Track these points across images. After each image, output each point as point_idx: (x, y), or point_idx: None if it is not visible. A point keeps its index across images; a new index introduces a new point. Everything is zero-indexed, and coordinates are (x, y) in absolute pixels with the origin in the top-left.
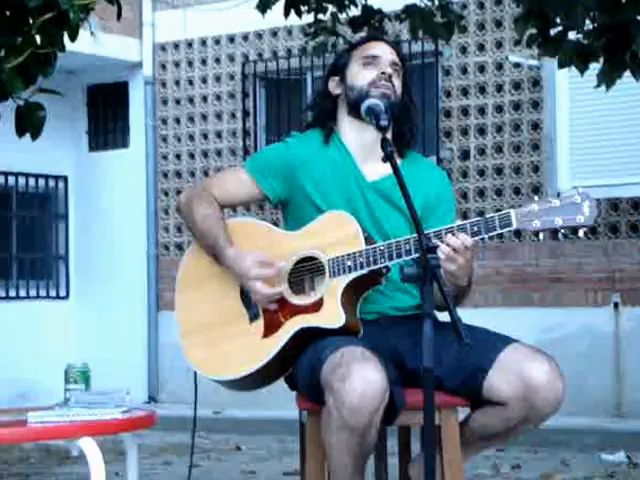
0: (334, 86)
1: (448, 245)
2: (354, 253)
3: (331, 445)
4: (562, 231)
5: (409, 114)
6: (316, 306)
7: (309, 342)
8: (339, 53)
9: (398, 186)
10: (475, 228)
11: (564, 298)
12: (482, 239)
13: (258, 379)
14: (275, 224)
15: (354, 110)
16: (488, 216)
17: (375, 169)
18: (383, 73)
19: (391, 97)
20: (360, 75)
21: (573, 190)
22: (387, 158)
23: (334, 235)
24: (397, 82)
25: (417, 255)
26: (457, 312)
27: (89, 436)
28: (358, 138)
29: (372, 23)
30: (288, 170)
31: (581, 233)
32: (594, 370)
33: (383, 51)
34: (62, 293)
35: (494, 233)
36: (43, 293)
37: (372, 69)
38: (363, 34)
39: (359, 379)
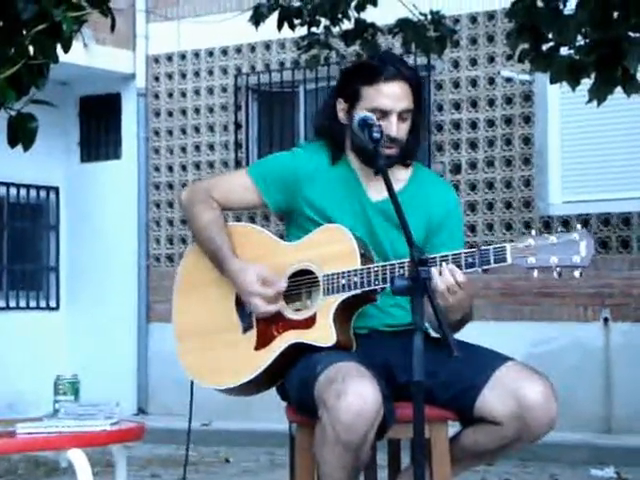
0: (342, 113)
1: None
2: (349, 272)
3: (324, 460)
4: (557, 270)
5: (416, 128)
6: (309, 322)
7: (301, 356)
8: (348, 74)
9: (391, 201)
10: (470, 260)
11: (554, 312)
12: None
13: (248, 389)
14: (281, 236)
15: (358, 153)
16: (483, 248)
17: (379, 188)
18: (388, 135)
19: (393, 154)
20: None
21: (572, 230)
22: (380, 171)
23: (331, 249)
24: (404, 127)
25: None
26: (447, 325)
27: (78, 448)
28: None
29: (365, 37)
30: (292, 183)
31: (577, 274)
32: (584, 385)
33: (394, 101)
34: (52, 304)
35: (488, 267)
36: (33, 304)
37: (380, 124)
38: (356, 47)
39: (354, 396)
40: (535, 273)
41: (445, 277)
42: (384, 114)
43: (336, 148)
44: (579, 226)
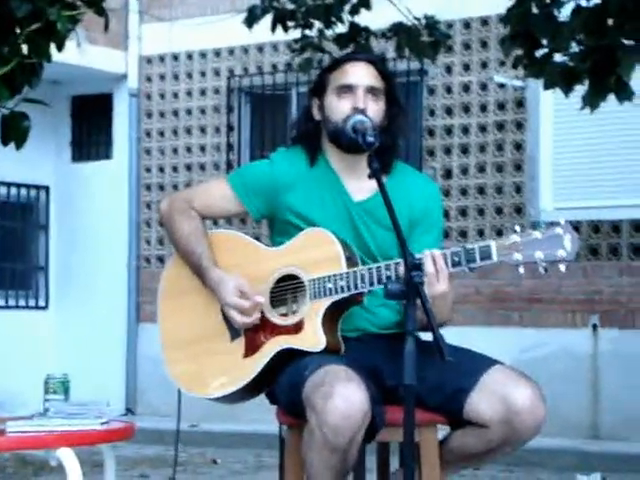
0: (315, 110)
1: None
2: (335, 276)
3: (312, 463)
4: (543, 264)
5: (393, 130)
6: (297, 327)
7: (290, 361)
8: (319, 74)
9: (384, 204)
10: (456, 258)
11: (543, 319)
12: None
13: (238, 397)
14: (257, 238)
15: (333, 141)
16: (469, 247)
17: (361, 188)
18: (356, 108)
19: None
20: (335, 108)
21: (555, 224)
22: (373, 175)
23: (315, 254)
24: (375, 107)
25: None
26: (439, 329)
27: (68, 447)
28: (343, 158)
29: (358, 40)
30: (271, 189)
31: (562, 268)
32: (571, 391)
33: (359, 77)
34: (42, 303)
35: (474, 265)
36: (22, 303)
37: (347, 101)
38: (349, 51)
39: (341, 399)
40: (521, 269)
41: (438, 262)
42: (351, 90)
43: (313, 147)
44: (562, 220)
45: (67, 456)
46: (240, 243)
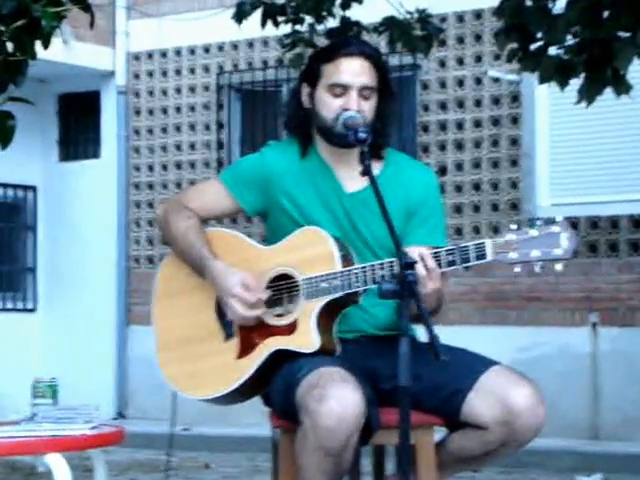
0: (305, 97)
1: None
2: (329, 275)
3: (306, 466)
4: (539, 264)
5: (384, 115)
6: (291, 328)
7: (284, 362)
8: (311, 59)
9: (377, 202)
10: (450, 257)
11: (541, 317)
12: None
13: (232, 398)
14: (249, 236)
15: (322, 134)
16: (463, 245)
17: (354, 178)
18: (348, 110)
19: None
20: (326, 105)
21: (552, 221)
22: (365, 173)
23: (310, 253)
24: (367, 105)
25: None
26: (434, 329)
27: (57, 452)
28: (334, 149)
29: (350, 35)
30: (264, 183)
31: (559, 267)
32: (571, 391)
33: (353, 75)
34: (30, 305)
35: (469, 264)
36: (10, 305)
37: (340, 100)
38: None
39: (336, 401)
40: (517, 268)
41: (428, 262)
42: (344, 89)
43: (303, 137)
44: (559, 218)
45: (56, 462)
46: (233, 242)
